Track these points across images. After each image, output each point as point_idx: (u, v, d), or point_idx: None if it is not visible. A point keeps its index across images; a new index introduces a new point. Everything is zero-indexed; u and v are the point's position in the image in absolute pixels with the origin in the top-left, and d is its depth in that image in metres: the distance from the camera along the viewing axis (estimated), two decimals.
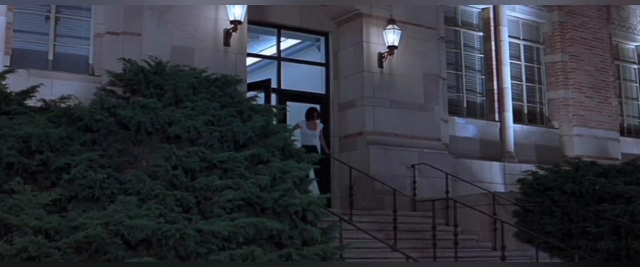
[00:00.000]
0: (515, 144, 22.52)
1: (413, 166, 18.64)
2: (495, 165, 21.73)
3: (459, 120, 21.55)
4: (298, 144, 13.93)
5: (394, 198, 15.98)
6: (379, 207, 17.62)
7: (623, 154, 24.18)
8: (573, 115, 23.74)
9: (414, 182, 18.53)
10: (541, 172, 17.86)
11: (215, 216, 9.58)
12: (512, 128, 22.55)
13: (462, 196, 17.53)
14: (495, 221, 15.72)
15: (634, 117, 26.55)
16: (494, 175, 21.51)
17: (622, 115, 25.98)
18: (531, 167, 19.00)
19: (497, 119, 22.48)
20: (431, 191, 18.22)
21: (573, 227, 16.35)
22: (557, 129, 23.79)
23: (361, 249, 13.12)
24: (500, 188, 20.74)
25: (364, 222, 15.38)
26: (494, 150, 22.11)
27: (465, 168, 20.54)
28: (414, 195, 17.98)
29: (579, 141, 23.64)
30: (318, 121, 18.14)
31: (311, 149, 16.60)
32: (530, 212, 16.81)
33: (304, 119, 17.85)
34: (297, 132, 14.89)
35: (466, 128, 21.74)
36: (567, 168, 17.76)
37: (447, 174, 18.00)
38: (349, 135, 19.05)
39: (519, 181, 17.94)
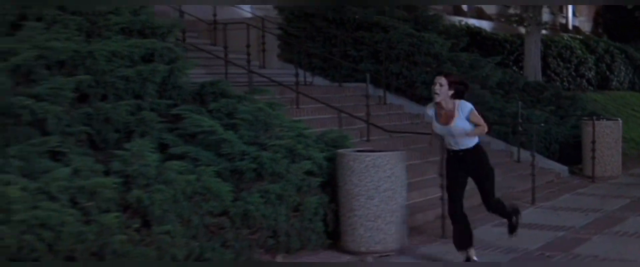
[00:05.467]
0: None
1: None
2: None
3: None
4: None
5: None
6: None
7: None
8: None
9: None
10: None
11: None
12: None
13: (229, 18, 18.22)
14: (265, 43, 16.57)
15: None
16: None
17: None
18: None
19: None
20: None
21: (335, 51, 17.59)
22: None
23: None
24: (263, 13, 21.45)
25: None
26: None
27: None
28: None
29: None
30: (456, 101, 8.65)
31: (459, 159, 8.79)
32: (293, 36, 17.82)
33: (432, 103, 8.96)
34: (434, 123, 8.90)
35: None
36: None
37: None
38: None
39: (279, 8, 18.88)
